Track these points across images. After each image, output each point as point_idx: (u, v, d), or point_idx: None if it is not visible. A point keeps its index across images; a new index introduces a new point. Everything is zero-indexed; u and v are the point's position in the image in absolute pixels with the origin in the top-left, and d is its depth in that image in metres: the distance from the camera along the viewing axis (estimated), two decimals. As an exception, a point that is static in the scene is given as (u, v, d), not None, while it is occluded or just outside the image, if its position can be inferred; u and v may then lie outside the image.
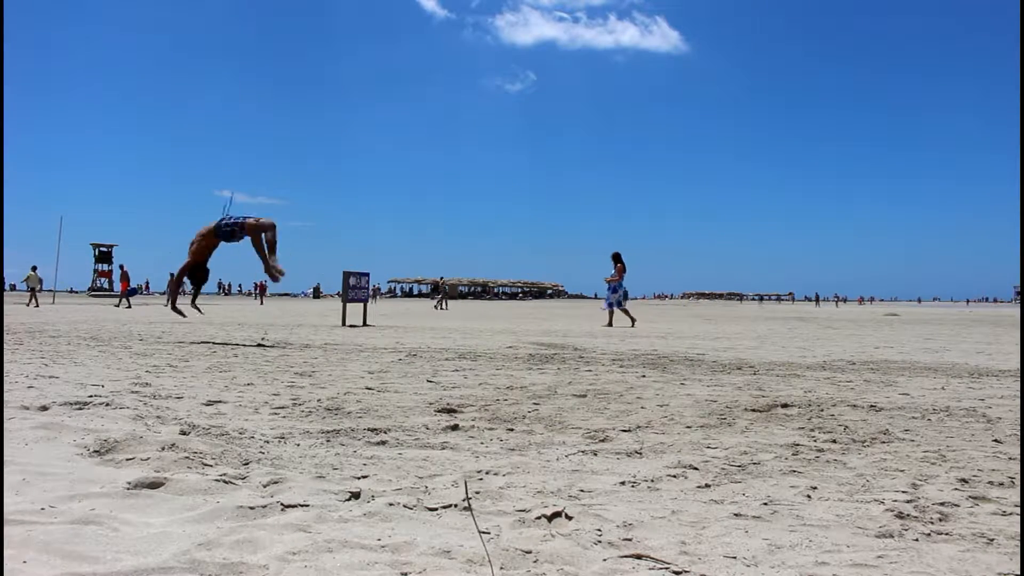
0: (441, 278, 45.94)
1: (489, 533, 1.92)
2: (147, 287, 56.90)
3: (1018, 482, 2.52)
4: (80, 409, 3.53)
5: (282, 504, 2.12)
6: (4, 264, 16.24)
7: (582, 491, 2.36)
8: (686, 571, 1.69)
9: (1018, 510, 2.19)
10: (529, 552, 1.79)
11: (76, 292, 52.70)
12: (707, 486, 2.45)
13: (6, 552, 1.67)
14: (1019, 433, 3.43)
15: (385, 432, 3.31)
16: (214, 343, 8.45)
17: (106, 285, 56.79)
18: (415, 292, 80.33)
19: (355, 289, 14.87)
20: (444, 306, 33.21)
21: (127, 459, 2.61)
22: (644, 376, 5.73)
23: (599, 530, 1.96)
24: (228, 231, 9.02)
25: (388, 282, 79.22)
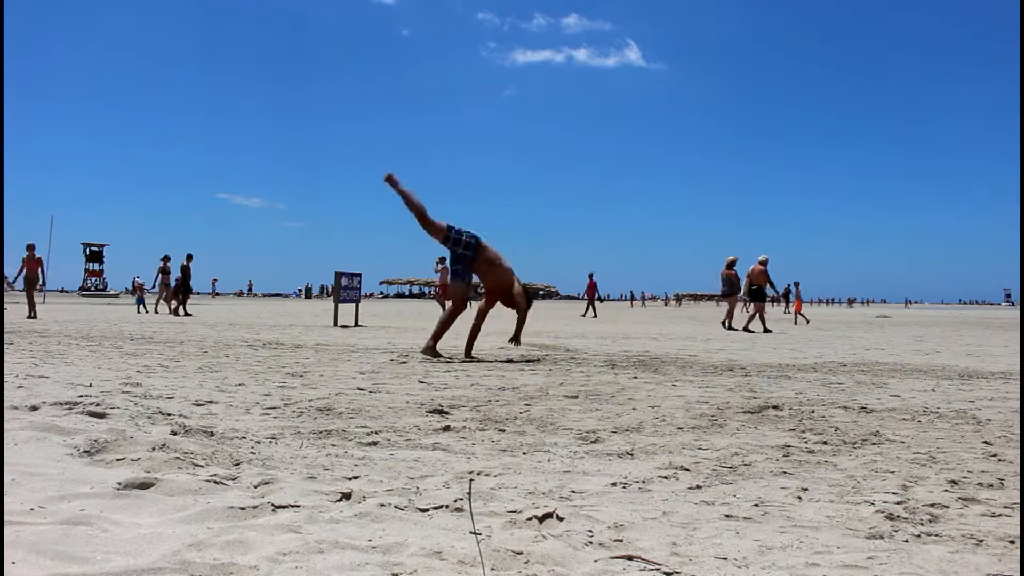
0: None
1: (480, 534, 1.92)
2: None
3: (1007, 484, 2.53)
4: (70, 409, 3.51)
5: (273, 505, 2.11)
6: (4, 264, 16.16)
7: (573, 492, 2.36)
8: (677, 572, 1.70)
9: (1007, 512, 2.21)
10: (520, 553, 1.79)
11: (67, 292, 52.43)
12: (698, 487, 2.46)
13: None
14: (1010, 434, 3.45)
15: (376, 433, 3.31)
16: (205, 343, 8.42)
17: (98, 284, 56.54)
18: (407, 293, 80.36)
19: (347, 289, 14.85)
20: None
21: (117, 459, 2.59)
22: (636, 377, 5.74)
23: (590, 531, 1.96)
24: None
25: (380, 283, 79.13)
